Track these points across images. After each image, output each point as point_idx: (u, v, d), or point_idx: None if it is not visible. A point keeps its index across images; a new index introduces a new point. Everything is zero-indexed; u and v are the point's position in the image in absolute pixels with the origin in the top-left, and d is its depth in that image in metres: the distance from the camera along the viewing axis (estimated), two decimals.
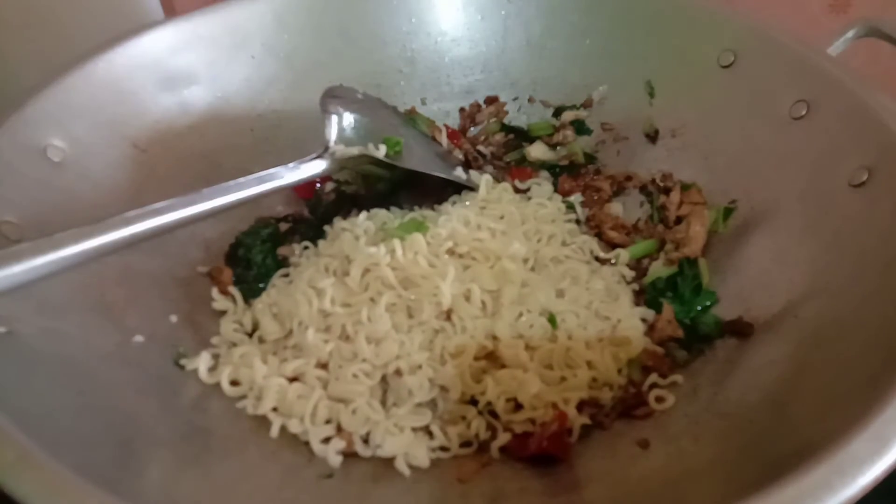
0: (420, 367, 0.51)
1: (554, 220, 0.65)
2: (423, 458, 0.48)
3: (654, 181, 0.67)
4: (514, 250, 0.57)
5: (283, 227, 0.67)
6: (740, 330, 0.53)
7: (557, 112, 0.75)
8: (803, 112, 0.57)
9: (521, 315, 0.55)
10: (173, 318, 0.55)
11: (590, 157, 0.73)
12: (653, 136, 0.70)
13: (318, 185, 0.70)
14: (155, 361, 0.51)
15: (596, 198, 0.69)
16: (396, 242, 0.55)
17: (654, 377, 0.52)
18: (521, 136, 0.76)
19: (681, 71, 0.68)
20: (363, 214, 0.62)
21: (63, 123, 0.57)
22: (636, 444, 0.47)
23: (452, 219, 0.60)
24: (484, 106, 0.77)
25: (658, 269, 0.59)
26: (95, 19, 0.78)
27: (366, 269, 0.55)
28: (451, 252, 0.57)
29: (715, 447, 0.44)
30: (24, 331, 0.44)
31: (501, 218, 0.63)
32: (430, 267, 0.55)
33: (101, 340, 0.49)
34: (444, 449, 0.50)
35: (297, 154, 0.72)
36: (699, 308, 0.56)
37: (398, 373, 0.51)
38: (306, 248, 0.64)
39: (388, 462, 0.48)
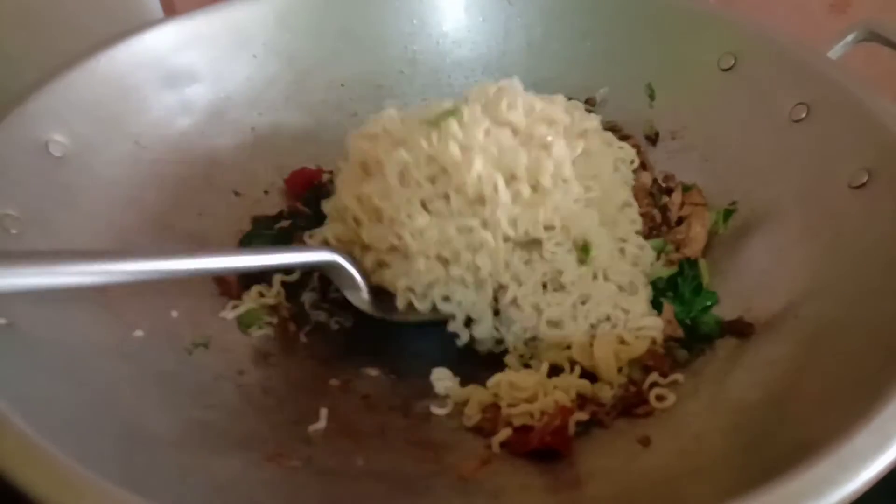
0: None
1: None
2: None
3: (655, 181, 0.67)
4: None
5: (284, 223, 0.67)
6: (741, 330, 0.53)
7: None
8: (803, 115, 0.58)
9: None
10: (174, 314, 0.55)
11: (613, 128, 0.72)
12: (653, 138, 0.70)
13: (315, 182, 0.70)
14: (155, 356, 0.51)
15: None
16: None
17: (654, 376, 0.52)
18: None
19: (681, 74, 0.68)
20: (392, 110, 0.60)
21: (65, 119, 0.56)
22: (637, 442, 0.47)
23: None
24: None
25: (658, 270, 0.59)
26: (95, 18, 0.78)
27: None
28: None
29: (716, 445, 0.43)
30: (24, 323, 0.44)
31: None
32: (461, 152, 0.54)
33: (101, 334, 0.49)
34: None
35: (298, 154, 0.72)
36: (699, 308, 0.56)
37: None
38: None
39: None
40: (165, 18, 0.67)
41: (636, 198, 0.64)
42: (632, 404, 0.50)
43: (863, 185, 0.51)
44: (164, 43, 0.65)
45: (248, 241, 0.64)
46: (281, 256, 0.54)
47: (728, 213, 0.61)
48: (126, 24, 0.64)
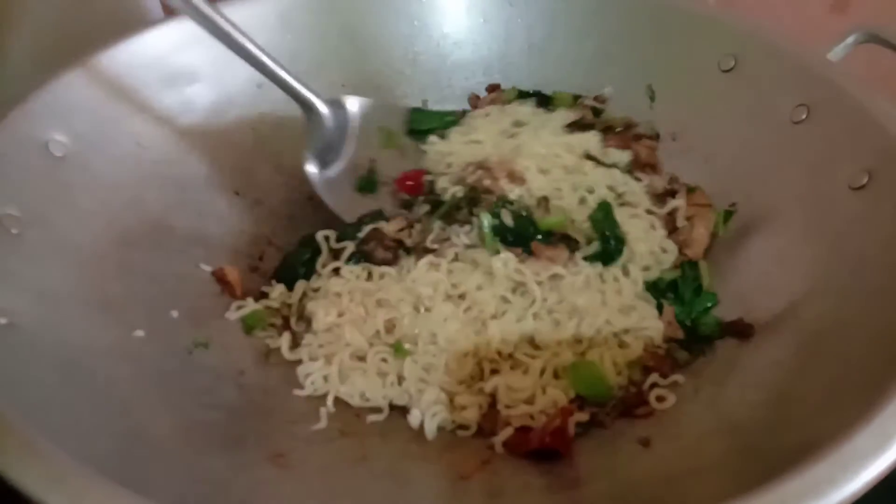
0: None
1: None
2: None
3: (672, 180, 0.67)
4: None
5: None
6: (741, 331, 0.53)
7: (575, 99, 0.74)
8: (803, 116, 0.58)
9: None
10: (174, 314, 0.55)
11: (629, 125, 0.71)
12: (653, 139, 0.70)
13: None
14: (156, 356, 0.51)
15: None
16: None
17: (654, 377, 0.52)
18: (540, 101, 0.74)
19: (681, 75, 0.68)
20: None
21: (66, 119, 0.57)
22: (637, 443, 0.47)
23: None
24: (486, 93, 0.77)
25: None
26: (95, 19, 0.78)
27: None
28: None
29: (716, 445, 0.43)
30: (24, 323, 0.44)
31: None
32: None
33: (101, 334, 0.49)
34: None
35: (298, 154, 0.72)
36: (700, 310, 0.56)
37: None
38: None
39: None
40: (166, 18, 0.67)
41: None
42: (632, 405, 0.50)
43: (863, 186, 0.51)
44: (165, 43, 0.65)
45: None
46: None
47: (728, 215, 0.61)
48: (126, 24, 0.64)
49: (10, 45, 0.71)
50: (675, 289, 0.58)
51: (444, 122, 0.73)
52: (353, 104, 0.67)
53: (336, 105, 0.65)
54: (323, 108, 0.64)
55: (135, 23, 0.65)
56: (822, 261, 0.51)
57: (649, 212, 0.63)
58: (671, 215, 0.63)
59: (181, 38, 0.66)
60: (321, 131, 0.65)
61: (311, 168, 0.65)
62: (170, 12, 0.79)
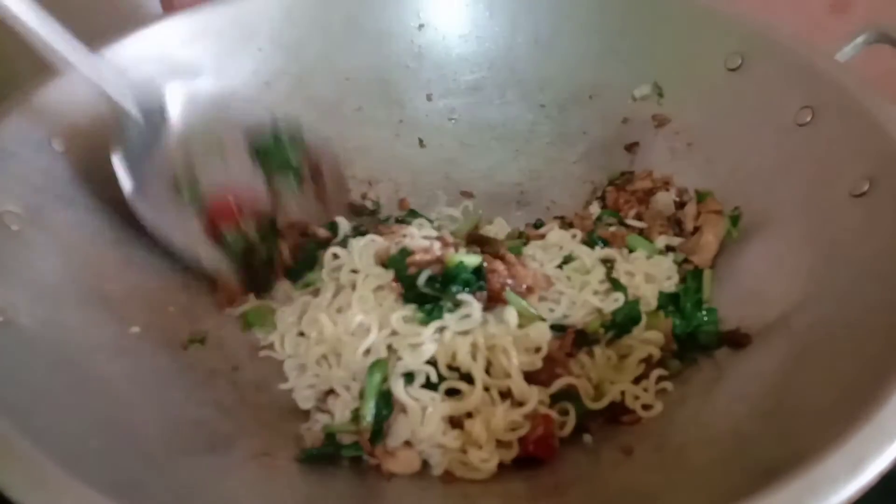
0: None
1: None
2: None
3: (682, 191, 0.65)
4: None
5: None
6: (737, 341, 0.52)
7: None
8: (808, 118, 0.56)
9: None
10: (171, 310, 0.56)
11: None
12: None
13: None
14: (150, 352, 0.52)
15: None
16: None
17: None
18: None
19: (688, 72, 0.67)
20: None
21: (68, 114, 0.57)
22: (619, 451, 0.47)
23: None
24: None
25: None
26: (95, 17, 0.78)
27: None
28: None
29: (699, 456, 0.43)
30: (20, 321, 0.45)
31: None
32: None
33: (97, 330, 0.50)
34: None
35: None
36: (698, 324, 0.55)
37: None
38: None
39: None
40: (171, 13, 0.67)
41: (650, 221, 0.63)
42: (618, 412, 0.50)
43: (863, 193, 0.50)
44: (168, 37, 0.65)
45: None
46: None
47: (735, 219, 0.59)
48: (126, 21, 0.64)
49: (10, 43, 0.71)
50: (676, 301, 0.57)
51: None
52: (174, 106, 0.59)
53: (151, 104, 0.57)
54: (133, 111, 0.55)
55: (135, 19, 0.65)
56: (818, 269, 0.50)
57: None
58: (679, 224, 0.62)
59: (185, 32, 0.66)
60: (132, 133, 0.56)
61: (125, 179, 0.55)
62: (169, 9, 0.80)
